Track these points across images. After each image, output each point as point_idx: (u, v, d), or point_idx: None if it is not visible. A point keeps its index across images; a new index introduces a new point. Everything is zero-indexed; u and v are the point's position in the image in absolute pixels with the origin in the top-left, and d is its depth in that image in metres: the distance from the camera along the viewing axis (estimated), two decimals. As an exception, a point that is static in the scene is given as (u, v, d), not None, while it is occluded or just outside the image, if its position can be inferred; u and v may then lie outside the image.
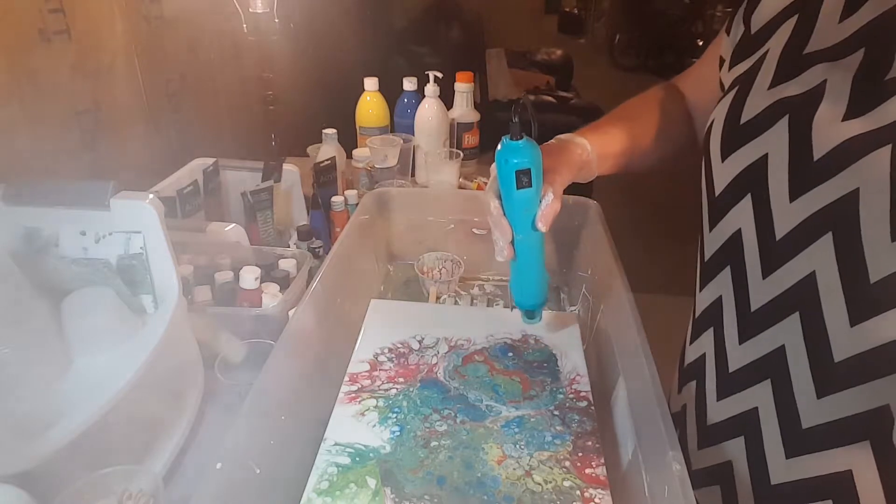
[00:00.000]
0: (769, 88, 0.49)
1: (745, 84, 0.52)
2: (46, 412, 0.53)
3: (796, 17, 0.49)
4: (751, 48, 0.53)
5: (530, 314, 0.68)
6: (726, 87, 0.55)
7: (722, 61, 0.60)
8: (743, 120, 0.50)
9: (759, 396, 0.50)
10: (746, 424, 0.51)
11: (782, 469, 0.48)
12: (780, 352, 0.47)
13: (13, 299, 0.59)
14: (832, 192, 0.42)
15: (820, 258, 0.43)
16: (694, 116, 0.71)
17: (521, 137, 0.53)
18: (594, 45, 6.16)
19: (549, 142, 0.63)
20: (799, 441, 0.47)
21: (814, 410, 0.45)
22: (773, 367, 0.48)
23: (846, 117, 0.42)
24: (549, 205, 0.55)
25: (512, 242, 0.58)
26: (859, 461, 0.44)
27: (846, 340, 0.42)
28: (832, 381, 0.44)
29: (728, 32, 0.59)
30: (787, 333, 0.46)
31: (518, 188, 0.53)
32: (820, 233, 0.43)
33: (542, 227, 0.55)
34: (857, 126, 0.41)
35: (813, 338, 0.45)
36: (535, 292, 0.64)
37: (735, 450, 0.53)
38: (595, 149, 0.63)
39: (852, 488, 0.45)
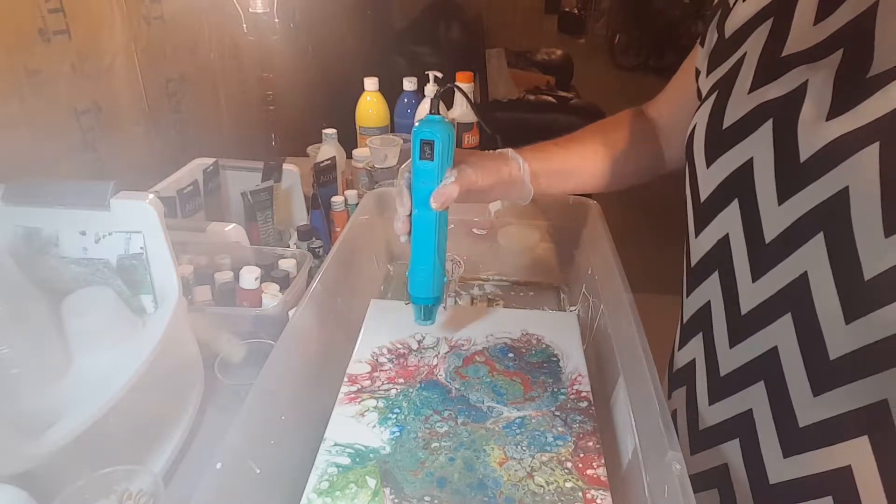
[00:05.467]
0: (749, 92, 0.49)
1: (724, 88, 0.52)
2: (46, 412, 0.53)
3: (771, 20, 0.49)
4: (726, 52, 0.53)
5: (423, 312, 0.65)
6: (704, 94, 0.55)
7: (698, 73, 0.60)
8: (725, 125, 0.50)
9: (753, 398, 0.50)
10: (741, 426, 0.51)
11: (780, 468, 0.48)
12: (772, 353, 0.47)
13: (13, 299, 0.59)
14: (821, 193, 0.42)
15: (811, 258, 0.43)
16: (663, 138, 0.72)
17: (438, 113, 0.57)
18: (594, 45, 6.18)
19: (488, 151, 0.65)
20: (796, 440, 0.47)
21: (810, 409, 0.46)
22: (766, 369, 0.48)
23: (830, 117, 0.42)
24: (445, 185, 0.56)
25: (410, 217, 0.59)
26: (858, 456, 0.44)
27: (842, 338, 0.42)
28: (828, 378, 0.44)
29: (703, 45, 0.59)
30: (780, 334, 0.46)
31: (420, 158, 0.56)
32: (811, 233, 0.43)
33: (434, 203, 0.56)
34: (842, 125, 0.41)
35: (807, 337, 0.45)
36: (427, 282, 0.62)
37: (730, 452, 0.53)
38: (531, 166, 0.64)
39: (852, 484, 0.45)
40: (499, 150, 0.65)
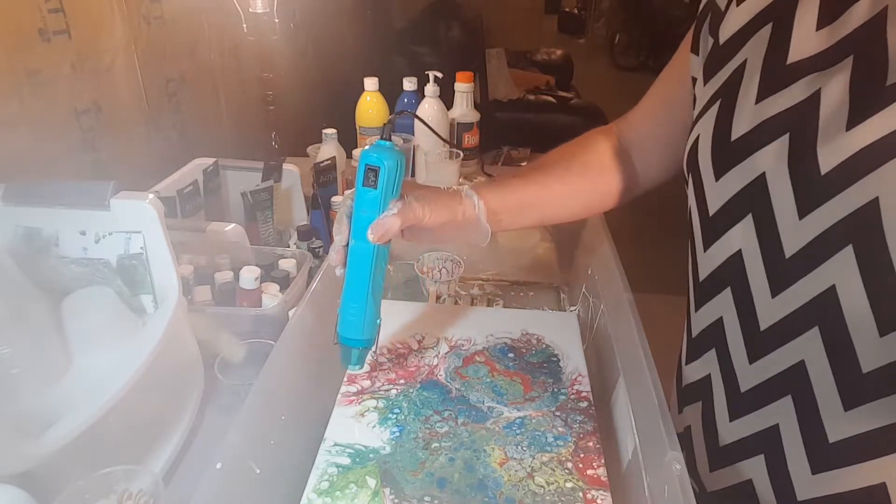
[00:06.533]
0: (757, 102, 0.47)
1: (727, 97, 0.50)
2: (46, 412, 0.53)
3: (770, 25, 0.48)
4: (724, 59, 0.52)
5: (351, 355, 0.58)
6: (704, 103, 0.54)
7: (694, 80, 0.58)
8: (734, 136, 0.49)
9: (779, 413, 0.48)
10: (766, 442, 0.50)
11: (809, 485, 0.47)
12: (799, 367, 0.46)
13: (13, 299, 0.59)
14: (848, 205, 0.41)
15: (840, 271, 0.42)
16: (638, 156, 0.68)
17: (390, 139, 0.53)
18: (594, 45, 6.17)
19: (442, 188, 0.60)
20: (826, 456, 0.46)
21: (841, 424, 0.44)
22: (792, 383, 0.47)
23: (849, 126, 0.41)
24: (386, 216, 0.52)
25: (346, 248, 0.55)
26: (894, 473, 0.43)
27: (876, 351, 0.41)
28: (860, 392, 0.43)
29: (697, 52, 0.57)
30: (807, 348, 0.45)
31: (363, 185, 0.52)
32: (839, 246, 0.42)
33: (371, 235, 0.52)
34: (865, 135, 0.40)
35: (836, 351, 0.43)
36: (356, 322, 0.56)
37: (754, 469, 0.51)
38: (487, 204, 0.59)
39: (887, 502, 0.44)
40: (454, 188, 0.60)
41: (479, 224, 0.60)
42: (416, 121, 1.24)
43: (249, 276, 0.80)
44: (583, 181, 0.67)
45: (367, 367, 0.66)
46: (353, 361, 0.58)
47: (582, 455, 0.56)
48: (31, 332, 0.59)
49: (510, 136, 1.55)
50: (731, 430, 0.53)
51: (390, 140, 0.53)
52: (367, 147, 0.53)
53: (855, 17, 0.43)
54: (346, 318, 0.56)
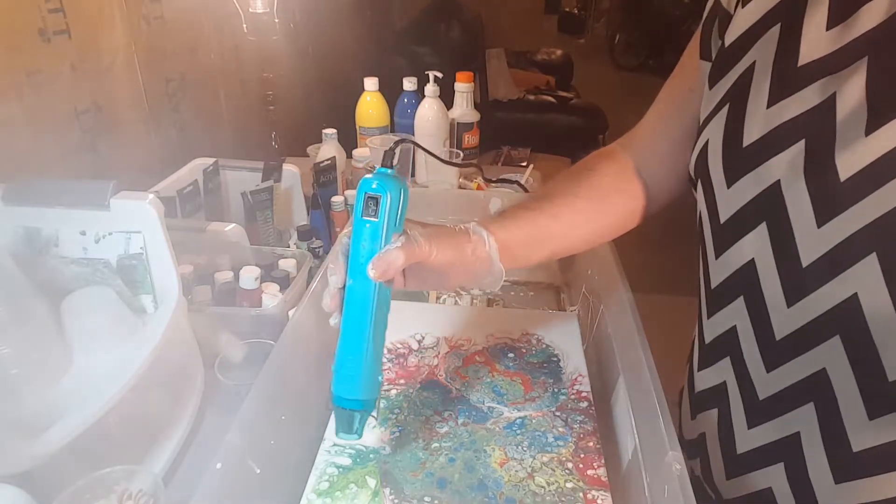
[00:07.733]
0: (768, 107, 0.46)
1: (736, 102, 0.49)
2: (46, 412, 0.53)
3: (778, 26, 0.47)
4: (730, 61, 0.51)
5: (347, 420, 0.50)
6: (712, 107, 0.52)
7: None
8: (746, 142, 0.47)
9: (800, 421, 0.47)
10: (786, 450, 0.49)
11: (832, 495, 0.46)
12: (821, 375, 0.45)
13: (13, 299, 0.59)
14: (872, 211, 0.40)
15: (863, 279, 0.41)
16: (650, 171, 0.65)
17: (392, 167, 0.49)
18: (594, 45, 6.17)
19: (450, 225, 0.55)
20: (849, 466, 0.45)
21: (865, 433, 0.44)
22: (814, 391, 0.46)
23: (869, 131, 0.40)
24: (389, 249, 0.47)
25: (342, 291, 0.49)
26: None
27: None
28: (886, 401, 0.42)
29: (709, 58, 0.56)
30: (828, 357, 0.44)
31: (362, 216, 0.47)
32: (861, 254, 0.41)
33: (372, 271, 0.46)
34: (886, 139, 0.39)
35: (861, 359, 0.43)
36: (353, 378, 0.49)
37: (773, 477, 0.50)
38: (498, 240, 0.54)
39: None
40: (461, 225, 0.55)
41: (491, 264, 0.54)
42: (416, 120, 1.25)
43: (249, 276, 0.80)
44: (593, 205, 0.63)
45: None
46: (349, 428, 0.50)
47: (582, 455, 0.56)
48: (31, 332, 0.59)
49: (510, 136, 1.55)
50: (749, 438, 0.52)
51: (392, 167, 0.49)
52: (366, 175, 0.48)
53: (868, 18, 0.41)
54: (342, 374, 0.49)
